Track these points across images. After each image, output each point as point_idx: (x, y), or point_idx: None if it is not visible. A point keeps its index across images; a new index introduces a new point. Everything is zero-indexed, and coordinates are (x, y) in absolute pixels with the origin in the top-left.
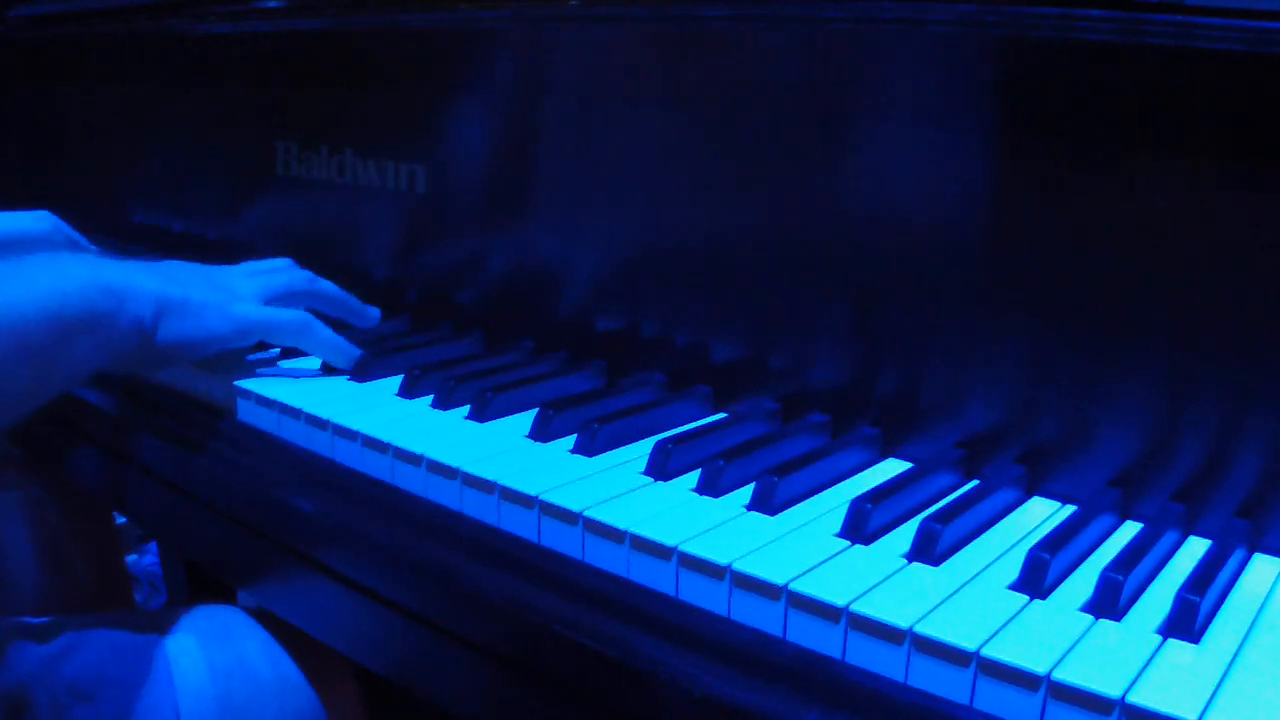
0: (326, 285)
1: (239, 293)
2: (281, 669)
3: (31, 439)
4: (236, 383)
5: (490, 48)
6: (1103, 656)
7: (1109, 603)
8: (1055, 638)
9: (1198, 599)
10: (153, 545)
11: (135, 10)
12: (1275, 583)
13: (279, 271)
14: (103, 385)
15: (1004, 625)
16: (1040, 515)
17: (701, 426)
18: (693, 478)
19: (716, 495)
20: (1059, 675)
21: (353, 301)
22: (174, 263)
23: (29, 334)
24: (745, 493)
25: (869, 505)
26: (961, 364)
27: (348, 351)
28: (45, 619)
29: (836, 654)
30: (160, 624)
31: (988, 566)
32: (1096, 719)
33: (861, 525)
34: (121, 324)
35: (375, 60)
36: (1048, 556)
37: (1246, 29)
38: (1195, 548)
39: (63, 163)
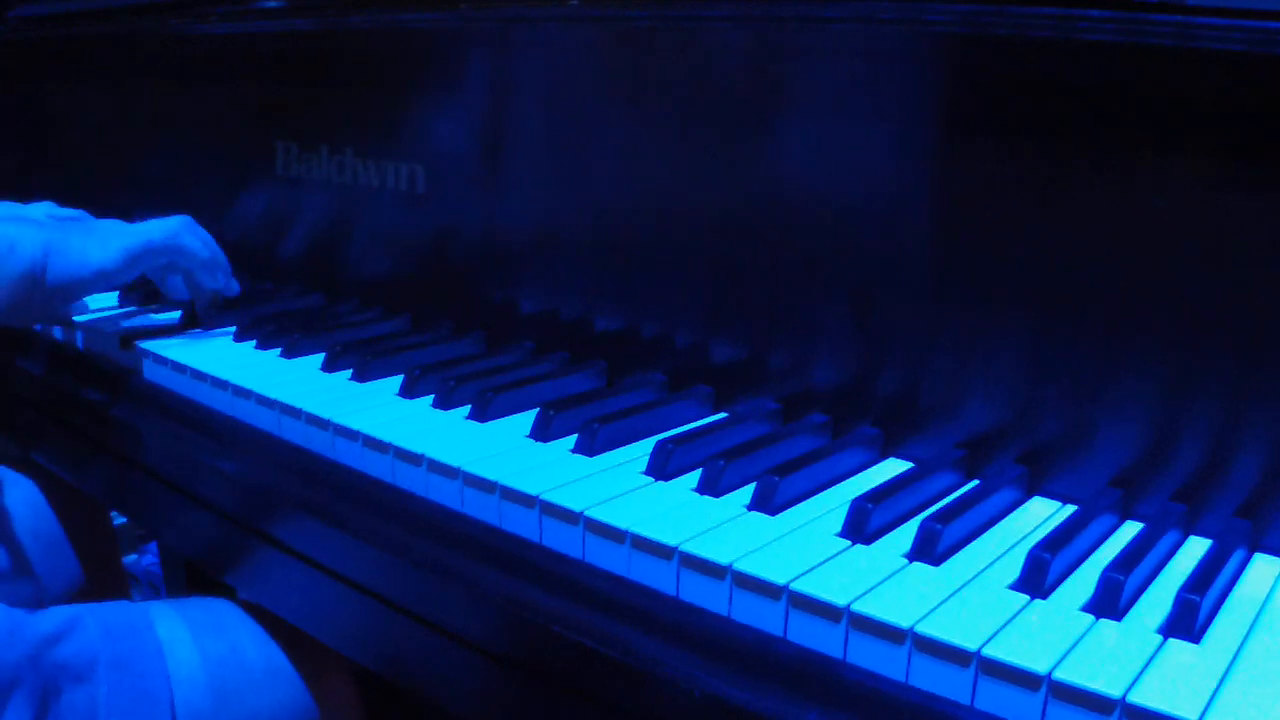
0: (203, 231)
1: (115, 230)
2: (274, 661)
3: (29, 436)
4: (240, 383)
5: (490, 48)
6: (1103, 656)
7: (1110, 602)
8: (1056, 637)
9: (1198, 599)
10: (153, 545)
11: (135, 10)
12: (1276, 583)
13: (157, 220)
14: (97, 385)
15: (1005, 625)
16: (1041, 515)
17: (702, 426)
18: (693, 477)
19: (717, 495)
20: (1060, 675)
21: (223, 259)
22: (58, 219)
23: None
24: (746, 492)
25: (870, 505)
26: (962, 364)
27: (225, 277)
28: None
29: (837, 654)
30: (154, 613)
31: (988, 566)
32: (1097, 719)
33: (862, 525)
34: (13, 270)
35: (375, 60)
36: (1048, 556)
37: (1247, 29)
38: (1196, 548)
39: (62, 162)
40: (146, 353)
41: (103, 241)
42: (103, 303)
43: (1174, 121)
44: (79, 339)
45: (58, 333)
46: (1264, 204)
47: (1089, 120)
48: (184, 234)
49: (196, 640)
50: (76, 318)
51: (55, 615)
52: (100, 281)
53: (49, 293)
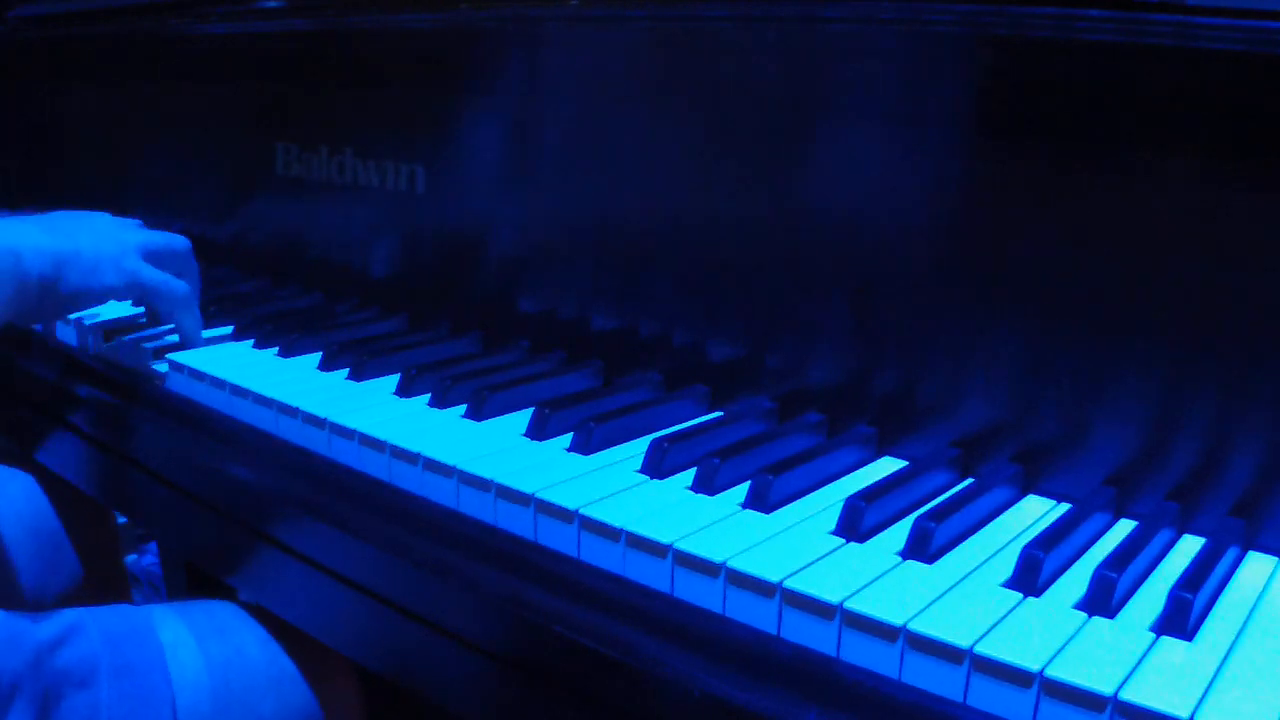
0: (194, 266)
1: (127, 244)
2: (278, 663)
3: (30, 435)
4: (238, 382)
5: (490, 48)
6: (1096, 654)
7: (1103, 600)
8: (1049, 635)
9: (1191, 596)
10: (153, 545)
11: (135, 10)
12: (1269, 581)
13: (163, 233)
14: (93, 384)
15: (998, 622)
16: (1035, 513)
17: (698, 425)
18: (688, 476)
19: (712, 493)
20: (1052, 672)
21: (198, 292)
22: (61, 214)
23: None
24: (741, 491)
25: (864, 503)
26: (957, 363)
27: (198, 338)
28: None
29: (831, 651)
30: (156, 617)
31: (982, 564)
32: (1090, 716)
33: (856, 523)
34: (21, 279)
35: (375, 60)
36: (1041, 554)
37: (1247, 29)
38: (1189, 546)
39: (63, 163)
40: (144, 351)
41: (117, 260)
42: None
43: (1174, 121)
44: (74, 337)
45: (55, 331)
46: (1263, 204)
47: (1089, 120)
48: (192, 305)
49: (200, 644)
50: (70, 315)
51: (56, 621)
52: (107, 297)
53: (62, 300)
